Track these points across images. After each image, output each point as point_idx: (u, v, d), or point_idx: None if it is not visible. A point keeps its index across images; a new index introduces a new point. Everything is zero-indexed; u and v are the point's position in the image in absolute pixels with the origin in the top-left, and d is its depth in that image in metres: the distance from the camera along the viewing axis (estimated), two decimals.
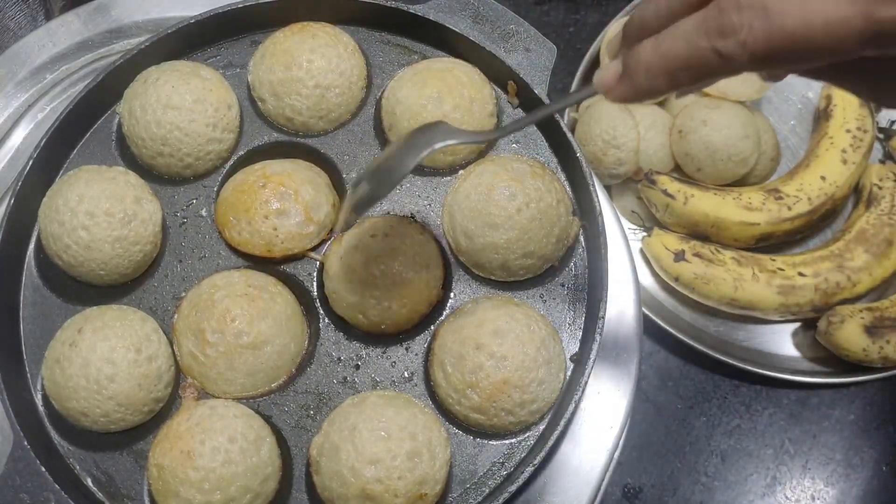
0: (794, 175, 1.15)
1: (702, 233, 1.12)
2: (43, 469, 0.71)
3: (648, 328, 1.10)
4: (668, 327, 1.09)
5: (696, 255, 1.09)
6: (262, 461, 0.72)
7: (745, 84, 1.13)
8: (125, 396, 0.74)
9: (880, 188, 1.14)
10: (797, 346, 1.13)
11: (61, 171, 0.85)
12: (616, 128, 1.10)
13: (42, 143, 0.82)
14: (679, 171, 1.16)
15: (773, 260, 1.11)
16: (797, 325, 1.14)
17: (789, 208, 1.11)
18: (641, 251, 1.15)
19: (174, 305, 0.80)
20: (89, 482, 0.75)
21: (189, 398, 0.77)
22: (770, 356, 1.13)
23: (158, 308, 0.81)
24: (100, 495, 0.75)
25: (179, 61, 0.89)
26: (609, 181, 1.14)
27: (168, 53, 0.88)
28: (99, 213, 0.78)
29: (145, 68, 0.86)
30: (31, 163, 0.81)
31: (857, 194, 1.17)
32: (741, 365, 1.08)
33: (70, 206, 0.78)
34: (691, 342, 1.08)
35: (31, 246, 0.83)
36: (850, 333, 1.05)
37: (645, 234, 1.14)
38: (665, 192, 1.10)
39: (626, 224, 1.18)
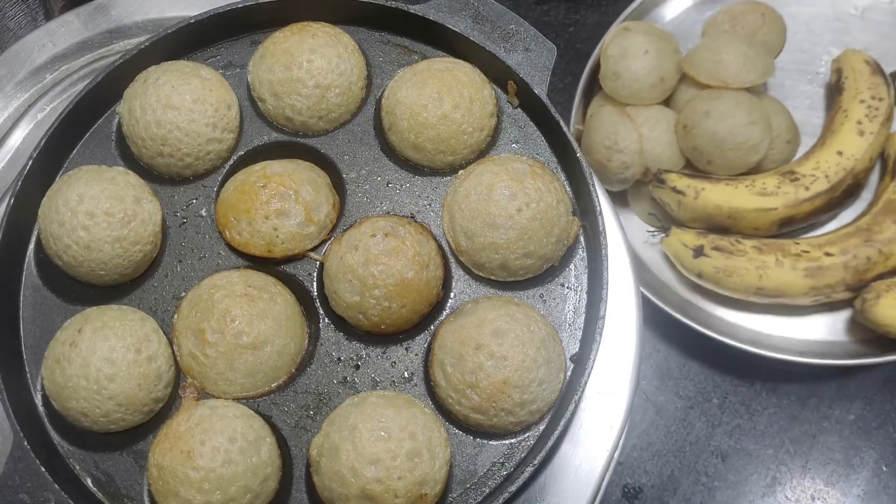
0: (810, 155, 1.12)
1: (719, 225, 1.11)
2: (43, 469, 0.71)
3: (648, 328, 1.10)
4: (700, 328, 1.06)
5: (716, 248, 1.07)
6: (262, 461, 0.72)
7: (745, 70, 1.12)
8: (125, 396, 0.74)
9: None
10: (837, 331, 1.11)
11: (61, 171, 0.85)
12: (616, 133, 1.10)
13: (42, 143, 0.82)
14: (690, 167, 1.15)
15: (797, 243, 1.07)
16: (835, 312, 1.12)
17: (806, 188, 1.08)
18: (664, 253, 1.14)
19: (174, 305, 0.80)
20: (89, 482, 0.75)
21: (189, 398, 0.77)
22: (810, 344, 1.10)
23: (158, 308, 0.81)
24: (100, 495, 0.75)
25: (179, 61, 0.89)
26: (620, 186, 1.14)
27: (168, 53, 0.88)
28: (99, 213, 0.78)
29: (145, 68, 0.86)
30: (31, 163, 0.81)
31: (883, 164, 1.14)
32: (783, 357, 1.05)
33: (70, 206, 0.78)
34: (725, 339, 1.06)
35: (31, 246, 0.83)
36: (888, 307, 1.01)
37: (664, 234, 1.13)
38: (675, 190, 1.09)
39: (645, 227, 1.17)
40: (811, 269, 1.05)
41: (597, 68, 1.18)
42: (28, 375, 0.79)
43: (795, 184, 1.09)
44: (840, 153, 1.09)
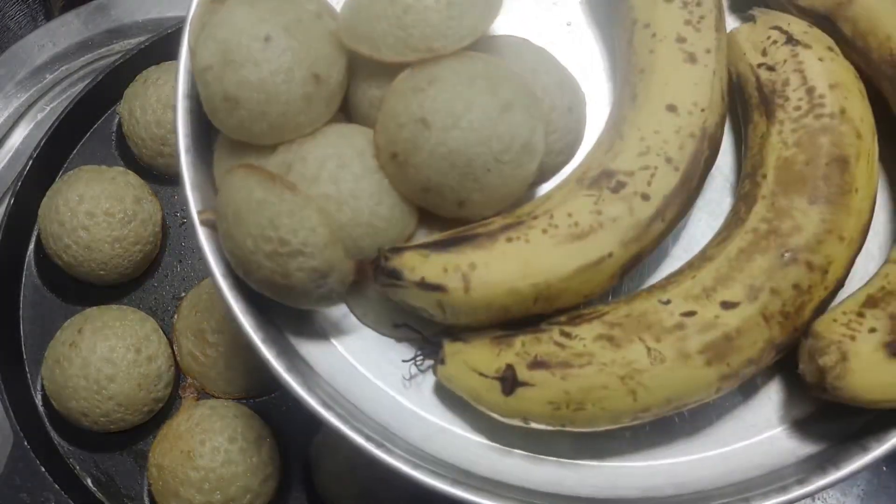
0: (619, 132, 0.53)
1: (521, 314, 0.52)
2: (43, 469, 0.72)
3: None
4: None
5: (538, 363, 0.50)
6: (262, 461, 0.72)
7: (455, 14, 0.50)
8: (125, 396, 0.74)
9: (772, 68, 0.55)
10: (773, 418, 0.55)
11: (61, 171, 0.85)
12: (275, 219, 0.48)
13: (42, 143, 0.82)
14: (430, 221, 0.55)
15: (664, 303, 0.51)
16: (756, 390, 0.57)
17: (646, 197, 0.52)
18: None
19: (174, 305, 0.80)
20: (89, 482, 0.75)
21: (189, 398, 0.77)
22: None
23: (158, 308, 0.81)
24: (100, 495, 0.75)
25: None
26: (326, 303, 0.54)
27: (168, 53, 0.88)
28: (99, 213, 0.78)
29: (145, 68, 0.86)
30: (31, 163, 0.81)
31: (742, 97, 0.58)
32: None
33: (70, 206, 0.78)
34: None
35: (31, 246, 0.83)
36: (868, 368, 0.51)
37: (433, 360, 0.53)
38: (423, 285, 0.50)
39: (404, 352, 0.54)
40: (712, 345, 0.50)
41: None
42: (28, 375, 0.79)
43: (623, 194, 0.52)
44: (672, 108, 0.53)
